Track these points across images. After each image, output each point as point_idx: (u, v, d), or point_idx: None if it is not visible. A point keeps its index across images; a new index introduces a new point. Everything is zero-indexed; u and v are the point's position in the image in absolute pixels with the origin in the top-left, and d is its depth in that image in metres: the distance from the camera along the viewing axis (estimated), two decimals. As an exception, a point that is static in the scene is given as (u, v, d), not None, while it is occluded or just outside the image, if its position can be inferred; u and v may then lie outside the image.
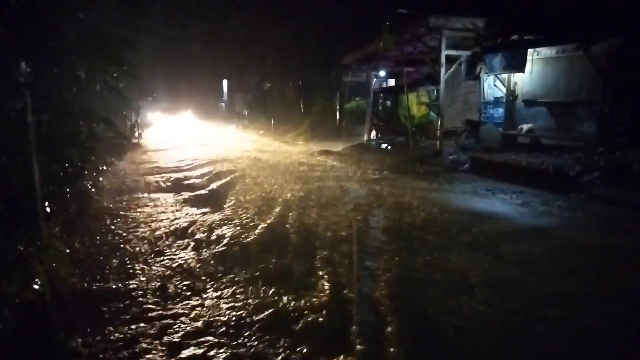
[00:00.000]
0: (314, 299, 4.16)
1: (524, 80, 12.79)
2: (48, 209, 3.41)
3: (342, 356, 3.22)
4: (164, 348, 3.38)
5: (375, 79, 19.30)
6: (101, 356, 3.26)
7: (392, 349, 3.31)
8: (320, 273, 4.78)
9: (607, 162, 9.22)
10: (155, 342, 3.47)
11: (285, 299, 4.20)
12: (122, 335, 3.55)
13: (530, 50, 12.11)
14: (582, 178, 9.06)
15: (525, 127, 12.31)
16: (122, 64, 6.56)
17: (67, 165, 5.41)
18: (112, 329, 3.62)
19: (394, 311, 3.88)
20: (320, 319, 3.80)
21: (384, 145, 15.91)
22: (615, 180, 8.58)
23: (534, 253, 5.35)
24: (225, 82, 38.58)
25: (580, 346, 3.39)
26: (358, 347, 3.34)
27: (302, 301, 4.12)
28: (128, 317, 3.86)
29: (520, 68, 11.92)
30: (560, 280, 4.55)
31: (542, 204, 7.89)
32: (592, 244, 5.76)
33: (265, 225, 6.66)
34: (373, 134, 17.75)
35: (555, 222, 6.78)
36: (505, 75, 13.10)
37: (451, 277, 4.66)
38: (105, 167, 10.22)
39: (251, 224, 6.77)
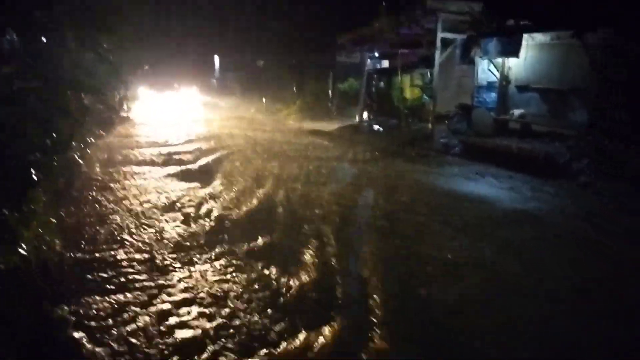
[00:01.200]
0: (302, 273, 4.18)
1: (518, 66, 12.75)
2: (35, 177, 3.35)
3: (328, 327, 3.25)
4: (151, 317, 3.39)
5: (369, 60, 19.14)
6: (87, 324, 3.26)
7: (375, 321, 3.36)
8: (308, 249, 4.80)
9: (597, 151, 9.29)
10: (143, 310, 3.48)
11: (273, 272, 4.22)
12: (108, 304, 3.55)
13: (525, 36, 12.04)
14: (571, 166, 9.14)
15: (517, 112, 12.32)
16: (112, 34, 6.41)
17: (54, 135, 5.32)
18: (98, 298, 3.63)
19: (378, 287, 3.92)
20: (308, 292, 3.84)
21: (375, 127, 15.87)
22: (604, 169, 8.66)
23: (518, 238, 5.42)
24: (217, 58, 38.03)
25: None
26: (343, 319, 3.38)
27: (290, 275, 4.15)
28: (115, 286, 3.86)
29: (515, 53, 11.86)
30: (542, 264, 4.62)
31: (530, 190, 7.97)
32: (576, 231, 5.83)
33: (254, 201, 6.66)
34: (365, 115, 17.68)
35: (542, 207, 6.86)
36: (499, 60, 13.05)
37: (436, 257, 4.71)
38: (93, 140, 10.09)
39: (240, 199, 6.76)
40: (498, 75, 13.43)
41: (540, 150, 9.87)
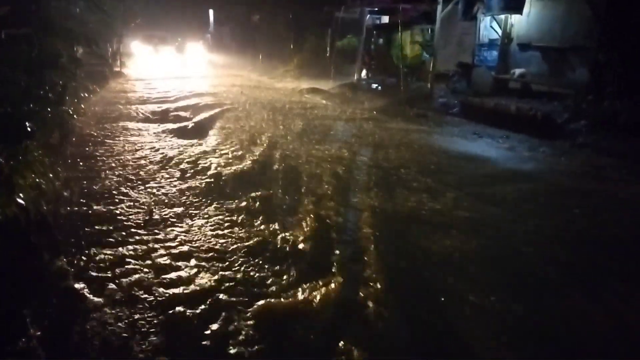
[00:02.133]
0: (299, 229, 4.21)
1: (521, 23, 12.47)
2: (29, 129, 3.29)
3: (323, 281, 3.30)
4: (150, 270, 3.42)
5: (369, 16, 18.64)
6: (86, 275, 3.29)
7: (371, 276, 3.41)
8: (305, 205, 4.82)
9: (595, 111, 9.22)
10: (141, 263, 3.50)
11: (270, 228, 4.24)
12: (107, 257, 3.57)
13: (529, -9, 11.72)
14: (569, 125, 9.09)
15: (517, 71, 12.15)
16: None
17: (47, 87, 5.20)
18: (97, 251, 3.64)
19: (374, 243, 3.96)
20: (305, 248, 3.87)
21: (374, 85, 15.64)
22: (601, 129, 8.62)
23: (515, 195, 5.44)
24: (211, 12, 36.92)
25: (550, 277, 3.53)
26: (339, 273, 3.43)
27: (287, 231, 4.17)
28: (113, 240, 3.87)
29: (518, 9, 11.58)
30: (538, 221, 4.66)
31: (527, 149, 7.96)
32: (572, 188, 5.87)
33: (251, 158, 6.63)
34: (364, 73, 17.38)
35: (539, 167, 6.87)
36: (502, 17, 12.75)
37: (432, 214, 4.74)
38: (87, 94, 9.92)
39: (237, 156, 6.72)
40: (500, 32, 13.15)
41: (538, 110, 9.79)
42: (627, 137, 7.98)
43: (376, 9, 18.47)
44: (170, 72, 19.76)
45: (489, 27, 13.55)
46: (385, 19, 19.55)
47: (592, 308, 3.19)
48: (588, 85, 10.31)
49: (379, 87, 15.24)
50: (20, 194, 2.53)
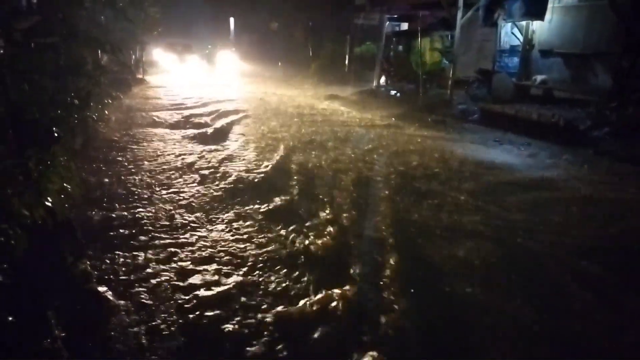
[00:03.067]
0: (318, 235, 4.22)
1: (543, 29, 12.35)
2: (56, 134, 3.38)
3: (341, 288, 3.29)
4: (172, 273, 3.47)
5: (388, 22, 18.64)
6: (109, 278, 3.35)
7: (389, 283, 3.39)
8: (324, 212, 4.83)
9: (619, 118, 9.04)
10: (163, 267, 3.55)
11: (289, 234, 4.26)
12: (130, 260, 3.63)
13: (551, -3, 11.60)
14: (592, 133, 8.93)
15: (539, 78, 12.01)
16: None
17: (72, 94, 5.33)
18: (120, 254, 3.71)
19: (393, 250, 3.95)
20: (323, 254, 3.88)
21: (393, 92, 15.61)
22: (625, 136, 8.45)
23: (536, 204, 5.36)
24: (232, 21, 37.40)
25: (568, 285, 3.47)
26: (357, 280, 3.43)
27: (306, 237, 4.18)
28: (136, 243, 3.94)
29: (540, 15, 11.46)
30: (559, 229, 4.58)
31: (549, 157, 7.85)
32: (595, 197, 5.75)
33: (270, 164, 6.67)
34: (382, 79, 17.37)
35: (561, 175, 6.76)
36: (523, 23, 12.63)
37: (452, 222, 4.70)
38: (110, 101, 10.11)
39: (256, 162, 6.78)
40: (521, 39, 13.04)
41: (560, 117, 9.64)
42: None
43: (395, 15, 18.48)
44: (189, 79, 20.04)
45: (509, 34, 13.44)
46: (405, 26, 19.54)
47: (615, 318, 3.13)
48: (611, 91, 10.13)
49: (398, 94, 15.21)
50: (49, 198, 2.60)
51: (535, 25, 12.54)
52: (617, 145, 8.17)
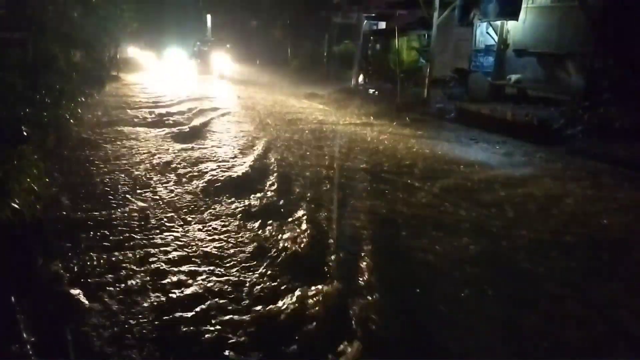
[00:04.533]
0: (295, 233, 4.19)
1: (517, 29, 12.55)
2: (25, 133, 3.27)
3: (320, 285, 3.28)
4: (147, 274, 3.39)
5: (366, 21, 18.72)
6: (81, 280, 3.27)
7: (366, 279, 3.40)
8: (301, 209, 4.80)
9: (591, 117, 9.26)
10: (137, 268, 3.48)
11: (266, 232, 4.23)
12: (103, 262, 3.54)
13: (525, -2, 11.80)
14: (565, 131, 9.13)
15: (513, 77, 12.21)
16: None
17: (43, 91, 5.19)
18: (92, 255, 3.61)
19: (368, 245, 3.96)
20: (300, 251, 3.86)
21: (371, 91, 15.68)
22: (597, 135, 8.66)
23: (510, 200, 5.45)
24: (209, 17, 36.96)
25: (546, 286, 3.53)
26: (334, 277, 3.42)
27: (283, 235, 4.15)
28: (109, 244, 3.85)
29: (514, 15, 11.66)
30: (532, 225, 4.66)
31: (523, 155, 7.98)
32: (568, 194, 5.87)
33: (247, 162, 6.62)
34: (361, 78, 17.43)
35: (535, 172, 6.88)
36: (498, 23, 12.82)
37: (427, 218, 4.73)
38: (83, 98, 9.89)
39: (233, 160, 6.72)
40: (496, 38, 13.23)
41: (534, 116, 9.82)
42: (623, 143, 8.01)
43: (373, 14, 18.56)
44: (164, 77, 19.75)
45: (485, 33, 13.63)
46: (382, 25, 19.63)
47: (590, 313, 3.19)
48: (584, 91, 10.37)
49: (376, 93, 15.28)
50: (15, 199, 2.51)
51: (510, 25, 12.74)
52: (590, 144, 8.37)
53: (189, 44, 23.89)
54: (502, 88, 12.67)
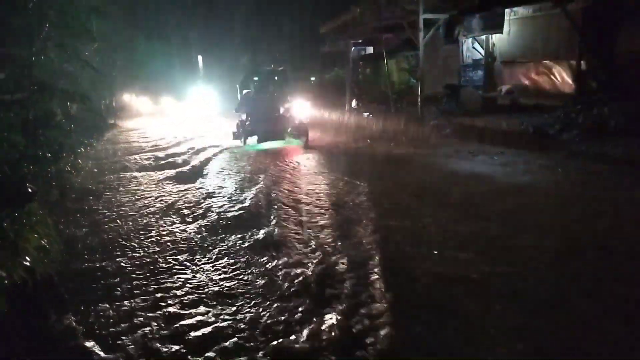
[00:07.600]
0: (304, 265, 4.19)
1: (503, 41, 12.80)
2: (30, 190, 3.32)
3: (333, 317, 3.26)
4: (160, 320, 3.38)
5: (353, 48, 19.08)
6: (95, 332, 3.25)
7: (375, 304, 3.37)
8: (308, 240, 4.81)
9: (585, 119, 9.35)
10: (150, 314, 3.47)
11: (275, 267, 4.23)
12: (116, 311, 3.53)
13: (507, 10, 12.07)
14: (562, 136, 9.19)
15: (504, 88, 12.39)
16: (93, 37, 6.32)
17: (43, 147, 5.27)
18: (105, 306, 3.61)
19: (377, 270, 3.95)
20: (311, 284, 3.85)
21: (365, 114, 15.85)
22: (593, 136, 8.72)
23: (515, 208, 5.46)
24: (200, 58, 37.67)
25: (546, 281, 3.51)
26: (345, 307, 3.40)
27: (293, 268, 4.15)
28: (120, 293, 3.84)
29: (499, 28, 11.91)
30: (539, 232, 4.65)
31: (522, 163, 8.03)
32: (571, 197, 5.88)
33: (249, 197, 6.65)
34: (354, 103, 17.65)
35: (536, 179, 6.91)
36: (483, 37, 13.09)
37: (430, 233, 4.74)
38: (83, 149, 10.02)
39: (235, 196, 6.76)
40: (483, 52, 13.45)
41: (529, 124, 9.92)
42: (619, 141, 8.06)
43: (360, 40, 18.93)
44: (161, 120, 20.01)
45: (471, 48, 13.88)
46: (370, 50, 19.99)
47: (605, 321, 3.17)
48: (574, 95, 10.50)
49: (370, 115, 15.45)
50: (27, 257, 2.53)
51: (495, 38, 13.00)
52: (587, 146, 8.42)
53: (225, 81, 16.41)
54: (494, 100, 12.83)
